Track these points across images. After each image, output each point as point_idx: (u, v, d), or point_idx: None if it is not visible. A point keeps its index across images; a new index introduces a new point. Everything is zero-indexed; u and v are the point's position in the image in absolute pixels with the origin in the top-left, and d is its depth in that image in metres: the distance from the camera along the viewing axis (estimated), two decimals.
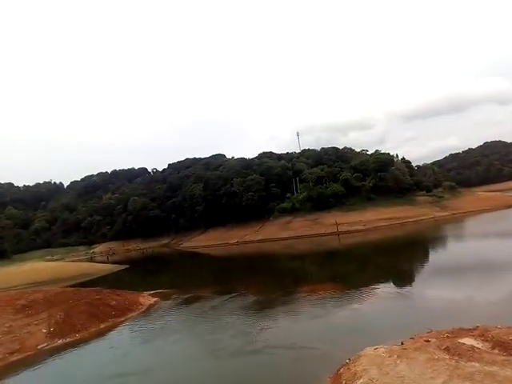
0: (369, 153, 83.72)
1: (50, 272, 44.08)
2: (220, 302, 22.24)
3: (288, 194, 74.35)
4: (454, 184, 74.79)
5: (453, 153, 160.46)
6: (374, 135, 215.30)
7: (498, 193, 79.79)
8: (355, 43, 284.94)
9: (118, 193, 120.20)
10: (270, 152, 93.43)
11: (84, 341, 16.78)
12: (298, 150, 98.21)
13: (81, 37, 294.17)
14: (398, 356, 8.55)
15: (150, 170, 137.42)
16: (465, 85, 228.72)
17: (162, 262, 62.12)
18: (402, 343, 9.81)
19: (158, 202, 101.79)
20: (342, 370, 9.14)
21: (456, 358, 8.06)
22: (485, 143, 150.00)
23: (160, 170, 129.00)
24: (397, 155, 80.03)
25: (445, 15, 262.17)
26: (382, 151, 77.00)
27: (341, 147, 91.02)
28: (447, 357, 8.22)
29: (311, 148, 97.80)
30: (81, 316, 18.57)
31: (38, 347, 15.62)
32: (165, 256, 72.25)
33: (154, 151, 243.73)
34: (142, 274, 49.15)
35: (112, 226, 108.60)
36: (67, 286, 30.89)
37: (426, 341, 9.63)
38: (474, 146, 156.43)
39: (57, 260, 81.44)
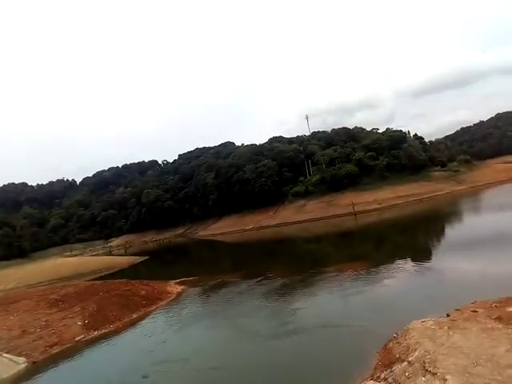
0: (380, 131, 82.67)
1: (73, 267, 44.74)
2: (247, 286, 22.27)
3: (301, 178, 74.13)
4: (468, 157, 73.67)
5: (464, 126, 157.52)
6: (382, 114, 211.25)
7: None
8: (358, 21, 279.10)
9: (130, 186, 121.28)
10: (281, 136, 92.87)
11: (119, 331, 16.97)
12: (307, 133, 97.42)
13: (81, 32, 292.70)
14: (448, 327, 8.43)
15: (160, 162, 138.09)
16: (472, 57, 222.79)
17: (180, 252, 62.58)
18: (449, 315, 9.67)
19: (171, 193, 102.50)
20: (390, 345, 9.05)
21: (511, 326, 7.90)
22: (497, 114, 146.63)
23: (170, 161, 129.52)
24: (408, 132, 78.72)
25: None
26: (393, 129, 76.00)
27: (351, 127, 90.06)
28: (500, 326, 8.07)
29: (321, 130, 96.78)
30: (113, 307, 18.79)
31: (76, 339, 15.84)
32: (182, 245, 72.78)
33: (163, 143, 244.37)
34: (163, 264, 49.62)
35: (127, 220, 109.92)
36: (92, 280, 31.33)
37: (473, 311, 9.47)
38: (485, 118, 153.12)
39: (76, 255, 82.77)
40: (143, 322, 18.20)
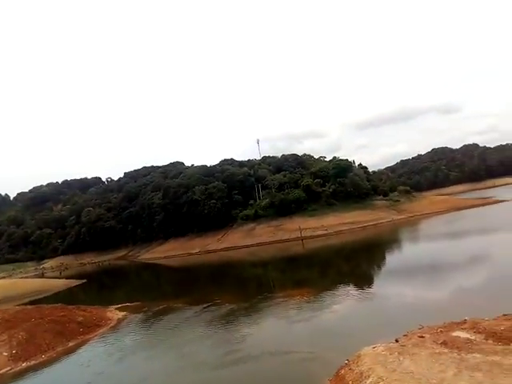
0: (327, 159, 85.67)
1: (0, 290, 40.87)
2: (193, 312, 21.53)
3: (251, 201, 74.08)
4: (408, 188, 77.96)
5: (403, 159, 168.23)
6: (328, 143, 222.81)
7: (447, 196, 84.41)
8: (307, 55, 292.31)
9: (70, 204, 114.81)
10: (232, 159, 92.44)
11: (52, 361, 15.58)
12: (258, 157, 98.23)
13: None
14: (399, 353, 8.53)
15: (104, 180, 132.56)
16: (413, 95, 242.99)
17: (122, 275, 59.68)
18: (397, 340, 9.83)
19: (114, 213, 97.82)
20: (343, 372, 8.97)
21: (456, 350, 8.16)
22: (433, 149, 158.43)
23: (115, 179, 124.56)
24: (353, 161, 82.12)
25: (394, 29, 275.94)
26: (340, 157, 79.04)
27: (300, 154, 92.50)
28: (446, 350, 8.32)
29: (271, 155, 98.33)
30: (46, 335, 17.24)
31: (0, 372, 14.26)
32: (123, 269, 69.50)
33: (109, 160, 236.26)
34: (102, 288, 46.92)
35: (64, 240, 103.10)
36: (23, 304, 28.73)
37: (420, 337, 9.72)
38: (422, 152, 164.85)
39: (4, 277, 75.95)
40: (80, 350, 16.87)
